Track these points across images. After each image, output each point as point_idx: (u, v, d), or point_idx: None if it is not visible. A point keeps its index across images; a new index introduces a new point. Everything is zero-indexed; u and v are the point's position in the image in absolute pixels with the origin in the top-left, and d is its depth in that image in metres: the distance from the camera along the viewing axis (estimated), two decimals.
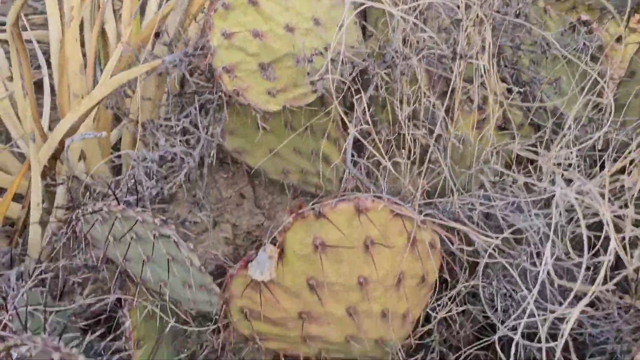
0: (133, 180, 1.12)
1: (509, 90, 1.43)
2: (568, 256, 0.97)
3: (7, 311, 1.01)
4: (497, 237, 1.02)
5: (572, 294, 0.80)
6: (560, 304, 1.07)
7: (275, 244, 1.04)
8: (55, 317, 1.15)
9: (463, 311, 1.40)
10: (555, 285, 1.18)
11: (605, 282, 1.00)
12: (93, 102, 1.15)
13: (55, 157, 1.32)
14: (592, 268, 1.11)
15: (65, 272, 1.23)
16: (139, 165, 1.10)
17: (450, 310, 1.28)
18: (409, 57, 1.06)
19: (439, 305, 1.25)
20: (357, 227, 1.08)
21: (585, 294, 0.90)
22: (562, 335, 0.89)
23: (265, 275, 1.03)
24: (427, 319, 1.38)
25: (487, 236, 1.06)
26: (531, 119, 1.50)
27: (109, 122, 1.41)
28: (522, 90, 1.47)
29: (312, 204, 1.03)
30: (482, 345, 1.27)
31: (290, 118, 1.56)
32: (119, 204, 1.05)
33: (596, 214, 0.93)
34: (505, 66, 1.47)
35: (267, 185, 1.88)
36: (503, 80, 1.46)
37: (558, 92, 1.37)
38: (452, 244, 1.09)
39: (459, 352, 1.30)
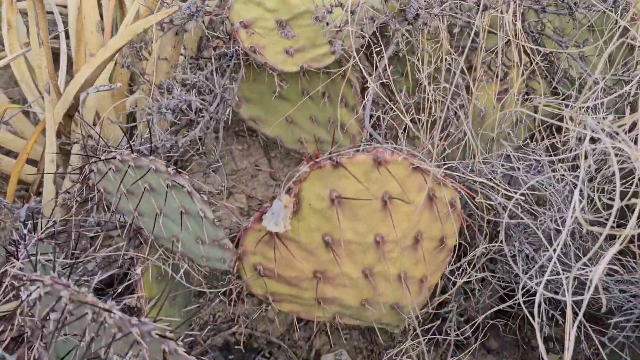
0: (147, 134, 1.10)
1: (532, 55, 1.38)
2: (595, 210, 0.93)
3: (18, 259, 1.00)
4: (517, 193, 0.98)
5: (602, 237, 0.76)
6: (585, 265, 1.03)
7: (290, 194, 1.02)
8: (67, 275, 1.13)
9: (482, 281, 1.36)
10: (580, 248, 1.14)
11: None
12: (108, 53, 1.14)
13: (70, 115, 1.31)
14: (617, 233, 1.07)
15: (77, 229, 1.21)
16: (154, 114, 1.07)
17: (469, 277, 1.24)
18: (432, 5, 1.02)
19: (458, 269, 1.21)
20: (375, 181, 1.05)
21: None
22: (588, 287, 0.84)
23: (280, 226, 1.01)
24: (444, 290, 1.34)
25: (507, 193, 1.02)
26: (554, 87, 1.46)
27: (125, 83, 1.40)
28: (546, 58, 1.43)
29: (329, 154, 1.00)
30: (501, 310, 1.22)
31: (307, 85, 1.53)
32: (132, 152, 1.03)
33: (625, 162, 0.89)
34: (531, 32, 1.42)
35: (283, 157, 1.85)
36: (526, 50, 1.42)
37: (583, 55, 1.32)
38: (474, 199, 1.05)
39: (476, 321, 1.26)
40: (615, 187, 0.95)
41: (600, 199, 1.02)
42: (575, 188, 1.00)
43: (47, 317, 0.92)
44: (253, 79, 1.52)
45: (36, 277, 0.85)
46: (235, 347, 1.52)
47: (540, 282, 0.95)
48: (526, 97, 1.46)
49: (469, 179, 1.09)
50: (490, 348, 1.56)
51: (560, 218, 1.09)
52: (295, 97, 1.54)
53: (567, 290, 0.89)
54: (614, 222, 0.86)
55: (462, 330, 1.25)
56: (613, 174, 1.04)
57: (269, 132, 1.63)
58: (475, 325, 1.36)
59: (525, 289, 1.08)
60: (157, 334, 0.83)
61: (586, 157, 0.90)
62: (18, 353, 0.91)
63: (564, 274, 0.98)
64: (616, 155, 0.89)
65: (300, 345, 1.55)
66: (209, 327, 1.55)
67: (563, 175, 0.99)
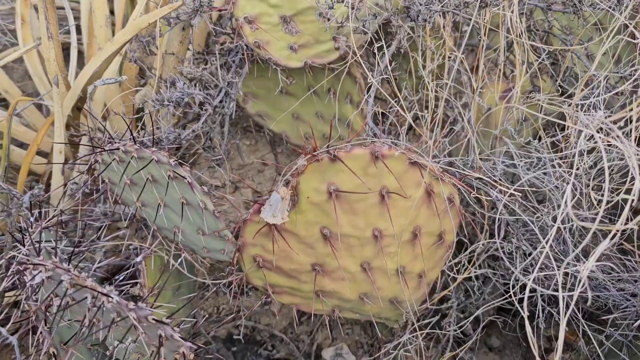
0: (151, 127, 1.12)
1: (537, 53, 1.38)
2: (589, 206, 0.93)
3: (24, 245, 1.03)
4: (516, 190, 0.98)
5: (591, 232, 0.76)
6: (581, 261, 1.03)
7: (288, 187, 1.03)
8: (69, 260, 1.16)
9: (484, 279, 1.37)
10: (577, 243, 1.14)
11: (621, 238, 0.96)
12: (115, 46, 1.16)
13: (79, 107, 1.34)
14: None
15: (84, 218, 1.24)
16: (157, 106, 1.10)
17: (469, 274, 1.25)
18: (432, 1, 1.03)
19: (457, 265, 1.22)
20: (373, 175, 1.06)
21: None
22: (579, 281, 0.85)
23: (277, 218, 1.02)
24: (445, 287, 1.35)
25: (506, 189, 1.02)
26: (560, 85, 1.45)
27: (133, 77, 1.43)
28: (551, 56, 1.43)
29: (327, 146, 1.01)
30: (503, 308, 1.23)
31: (312, 81, 1.55)
32: (135, 143, 1.06)
33: (621, 159, 0.89)
34: (537, 30, 1.42)
35: (290, 153, 1.87)
36: (531, 48, 1.41)
37: (588, 53, 1.32)
38: (470, 194, 1.05)
39: (474, 314, 1.26)
40: (615, 183, 0.96)
41: (599, 199, 1.02)
42: (574, 185, 1.01)
43: (51, 303, 0.95)
44: (260, 75, 1.54)
45: (39, 261, 0.87)
46: (238, 339, 1.54)
47: (535, 276, 0.95)
48: (530, 95, 1.46)
49: (467, 175, 1.09)
50: (492, 346, 1.56)
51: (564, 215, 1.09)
52: (301, 93, 1.56)
53: (559, 283, 0.89)
54: (608, 218, 0.87)
55: (461, 325, 1.25)
56: (613, 170, 1.04)
57: (275, 128, 1.65)
58: (475, 322, 1.36)
59: (525, 287, 1.08)
60: (153, 319, 0.85)
61: (581, 155, 0.90)
62: (20, 334, 0.94)
63: (559, 270, 0.99)
64: (612, 152, 0.89)
65: (302, 339, 1.56)
66: (212, 319, 1.57)
67: (562, 172, 0.99)
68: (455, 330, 1.24)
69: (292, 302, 1.23)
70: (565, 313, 0.80)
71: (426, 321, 1.25)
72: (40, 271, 0.87)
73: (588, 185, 1.05)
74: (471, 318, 1.20)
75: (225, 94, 1.27)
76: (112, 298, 0.83)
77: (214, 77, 1.28)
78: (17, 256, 0.96)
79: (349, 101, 1.55)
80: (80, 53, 1.79)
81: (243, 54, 1.34)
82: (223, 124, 1.44)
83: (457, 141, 1.39)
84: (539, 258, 1.01)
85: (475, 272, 1.24)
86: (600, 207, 0.91)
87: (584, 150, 0.91)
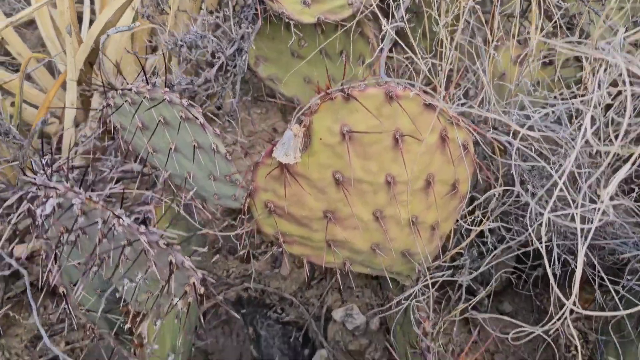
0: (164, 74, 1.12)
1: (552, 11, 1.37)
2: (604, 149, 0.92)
3: (37, 187, 1.02)
4: (530, 137, 0.97)
5: (611, 155, 0.75)
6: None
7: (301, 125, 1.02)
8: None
9: (498, 241, 1.35)
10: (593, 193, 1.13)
11: None
12: None
13: (91, 62, 1.34)
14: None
15: (95, 170, 1.23)
16: (170, 46, 1.09)
17: (483, 228, 1.23)
18: None
19: (471, 214, 1.21)
20: (387, 117, 1.04)
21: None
22: (598, 209, 0.83)
23: (290, 157, 1.01)
24: (457, 246, 1.33)
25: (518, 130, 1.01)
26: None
27: (146, 34, 1.42)
28: (566, 15, 1.42)
29: (340, 85, 1.00)
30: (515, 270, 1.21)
31: (324, 42, 1.54)
32: (147, 84, 1.05)
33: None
34: None
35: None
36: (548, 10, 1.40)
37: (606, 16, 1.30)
38: (484, 137, 1.04)
39: (487, 260, 1.24)
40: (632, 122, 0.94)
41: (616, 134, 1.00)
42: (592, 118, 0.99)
43: (61, 241, 0.95)
44: (272, 37, 1.54)
45: (50, 186, 0.87)
46: (248, 298, 1.53)
47: (551, 221, 0.93)
48: (546, 59, 1.45)
49: (482, 118, 1.08)
50: (504, 312, 1.54)
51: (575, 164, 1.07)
52: (312, 56, 1.55)
53: (577, 217, 0.87)
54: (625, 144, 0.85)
55: (473, 276, 1.24)
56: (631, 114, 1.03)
57: (287, 92, 1.65)
58: (487, 280, 1.35)
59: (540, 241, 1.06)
60: (164, 244, 0.84)
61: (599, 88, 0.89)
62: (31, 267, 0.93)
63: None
64: (631, 83, 0.88)
65: (312, 302, 1.55)
66: (222, 281, 1.56)
67: (580, 103, 0.97)
68: (467, 282, 1.22)
69: (302, 253, 1.22)
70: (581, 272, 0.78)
71: (439, 274, 1.24)
72: (52, 196, 0.86)
73: (606, 138, 1.04)
74: (482, 268, 1.18)
75: (237, 49, 1.27)
76: (123, 220, 0.83)
77: (228, 32, 1.27)
78: (30, 192, 0.96)
79: (361, 63, 1.54)
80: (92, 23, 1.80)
81: (256, 9, 1.34)
82: (235, 84, 1.44)
83: (471, 99, 1.38)
84: (549, 185, 1.00)
85: (489, 225, 1.22)
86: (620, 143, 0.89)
87: (603, 82, 0.89)
